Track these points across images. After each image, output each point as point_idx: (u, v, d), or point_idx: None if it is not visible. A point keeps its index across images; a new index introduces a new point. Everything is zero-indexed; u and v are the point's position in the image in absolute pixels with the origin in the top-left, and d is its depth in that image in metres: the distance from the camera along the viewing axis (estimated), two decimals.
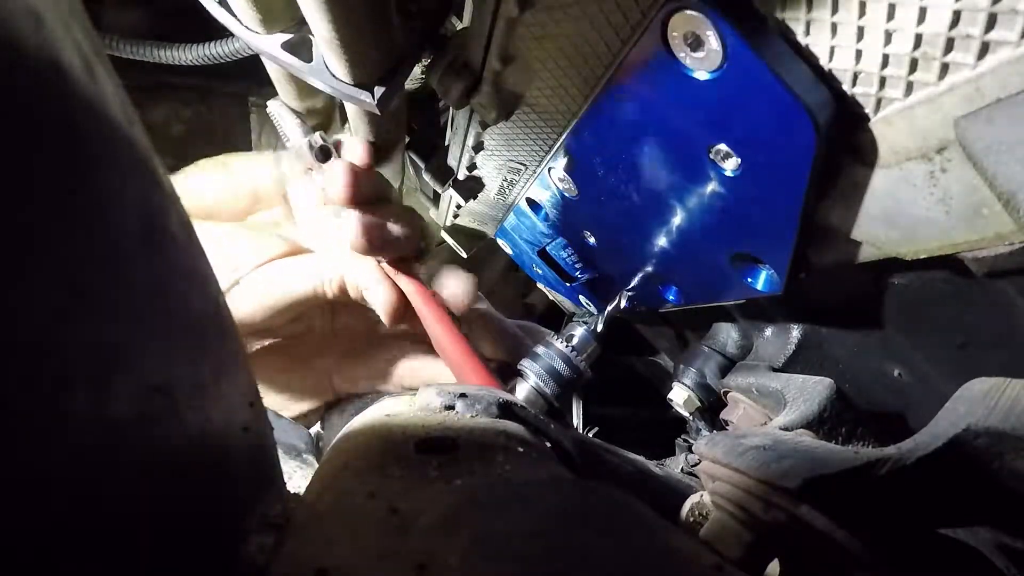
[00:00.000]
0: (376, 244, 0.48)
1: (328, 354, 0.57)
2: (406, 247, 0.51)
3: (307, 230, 0.53)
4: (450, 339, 0.49)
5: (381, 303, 0.50)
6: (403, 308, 0.50)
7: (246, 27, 0.38)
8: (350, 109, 0.50)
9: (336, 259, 0.50)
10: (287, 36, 0.38)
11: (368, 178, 0.49)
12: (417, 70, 0.44)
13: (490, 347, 0.55)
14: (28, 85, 0.14)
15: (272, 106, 0.54)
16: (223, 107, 0.90)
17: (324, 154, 0.50)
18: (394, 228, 0.49)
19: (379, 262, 0.51)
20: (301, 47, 0.38)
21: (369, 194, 0.49)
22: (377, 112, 0.37)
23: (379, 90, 0.36)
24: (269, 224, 0.54)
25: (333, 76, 0.36)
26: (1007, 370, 0.29)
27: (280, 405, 0.57)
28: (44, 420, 0.14)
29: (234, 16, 0.38)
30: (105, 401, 0.15)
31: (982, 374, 0.29)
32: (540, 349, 0.51)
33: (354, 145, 0.50)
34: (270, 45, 0.38)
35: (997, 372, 0.29)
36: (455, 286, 0.52)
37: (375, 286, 0.50)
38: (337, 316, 0.56)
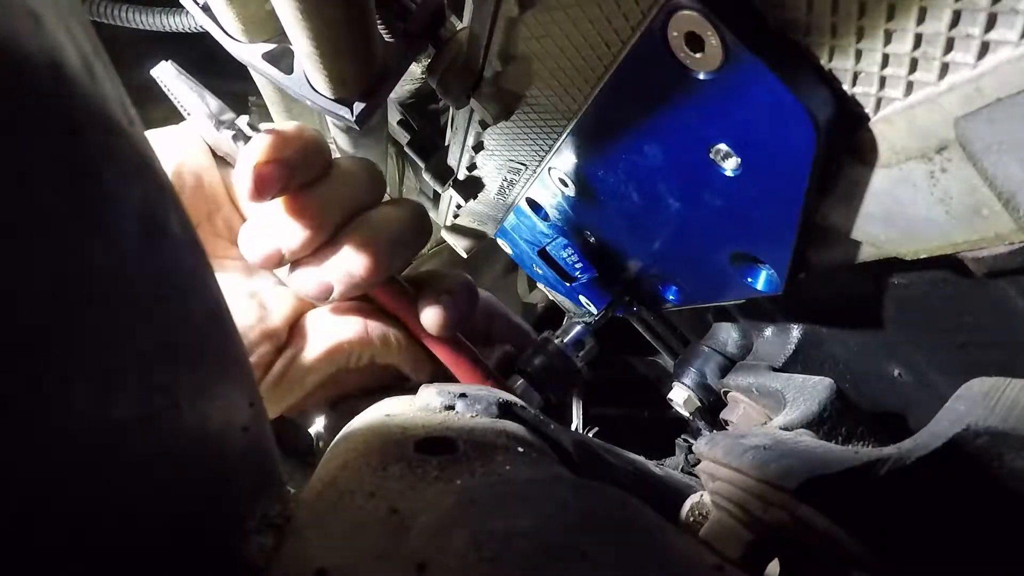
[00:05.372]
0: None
1: None
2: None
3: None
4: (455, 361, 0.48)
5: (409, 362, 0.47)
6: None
7: (228, 35, 0.38)
8: (329, 119, 0.50)
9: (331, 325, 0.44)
10: (269, 47, 0.38)
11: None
12: (417, 70, 0.44)
13: (496, 337, 0.55)
14: (28, 85, 0.14)
15: (161, 71, 0.41)
16: None
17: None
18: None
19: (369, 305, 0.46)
20: (283, 58, 0.37)
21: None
22: (356, 128, 0.36)
23: (359, 106, 0.35)
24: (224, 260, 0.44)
25: (313, 89, 0.36)
26: (1007, 370, 0.28)
27: None
28: (45, 420, 0.14)
29: (217, 23, 0.38)
30: (106, 401, 0.15)
31: (982, 374, 0.29)
32: (538, 347, 0.51)
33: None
34: (251, 54, 0.38)
35: (997, 372, 0.29)
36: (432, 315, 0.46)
37: (395, 344, 0.46)
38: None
